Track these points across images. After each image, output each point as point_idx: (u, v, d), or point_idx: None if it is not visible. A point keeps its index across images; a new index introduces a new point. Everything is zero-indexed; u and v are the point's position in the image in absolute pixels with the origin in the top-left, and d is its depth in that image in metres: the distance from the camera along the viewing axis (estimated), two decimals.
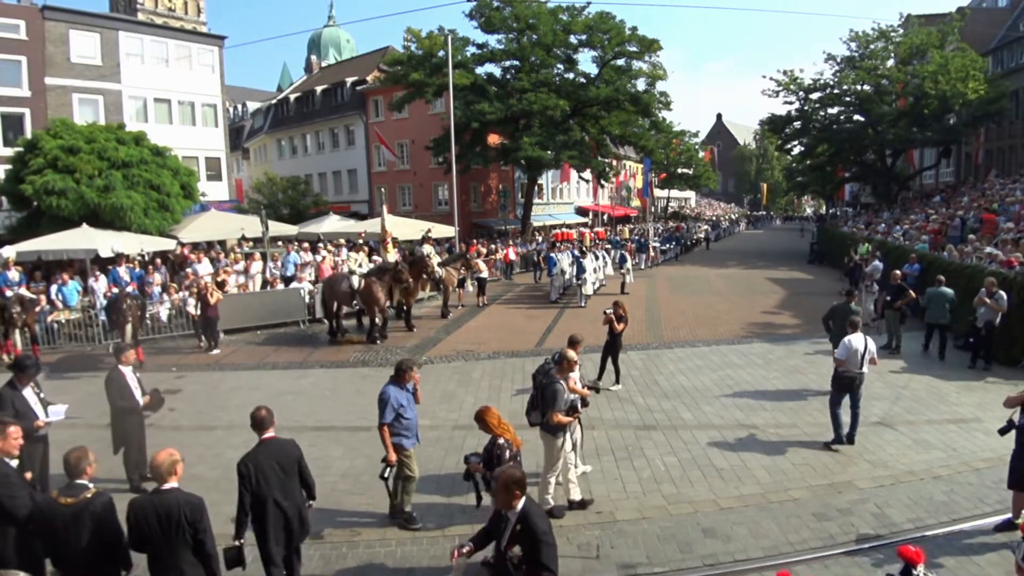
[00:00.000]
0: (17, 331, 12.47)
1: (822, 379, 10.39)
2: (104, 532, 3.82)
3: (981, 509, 6.07)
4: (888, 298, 12.39)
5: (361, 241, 19.70)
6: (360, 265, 16.01)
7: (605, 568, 5.36)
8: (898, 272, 12.98)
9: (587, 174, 36.68)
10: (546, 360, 6.91)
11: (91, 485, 3.93)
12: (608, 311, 10.17)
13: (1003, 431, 5.79)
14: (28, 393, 5.99)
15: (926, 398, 9.44)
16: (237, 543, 4.40)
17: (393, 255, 16.56)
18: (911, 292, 12.18)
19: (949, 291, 11.43)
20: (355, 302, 14.41)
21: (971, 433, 7.99)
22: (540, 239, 31.58)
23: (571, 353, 6.44)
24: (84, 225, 17.01)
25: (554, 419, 5.91)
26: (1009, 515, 5.65)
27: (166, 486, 3.89)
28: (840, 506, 6.23)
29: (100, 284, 15.09)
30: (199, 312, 13.71)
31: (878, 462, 7.23)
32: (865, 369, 7.77)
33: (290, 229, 23.74)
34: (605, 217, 45.76)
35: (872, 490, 6.55)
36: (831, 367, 10.78)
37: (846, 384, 7.70)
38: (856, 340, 7.69)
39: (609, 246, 27.34)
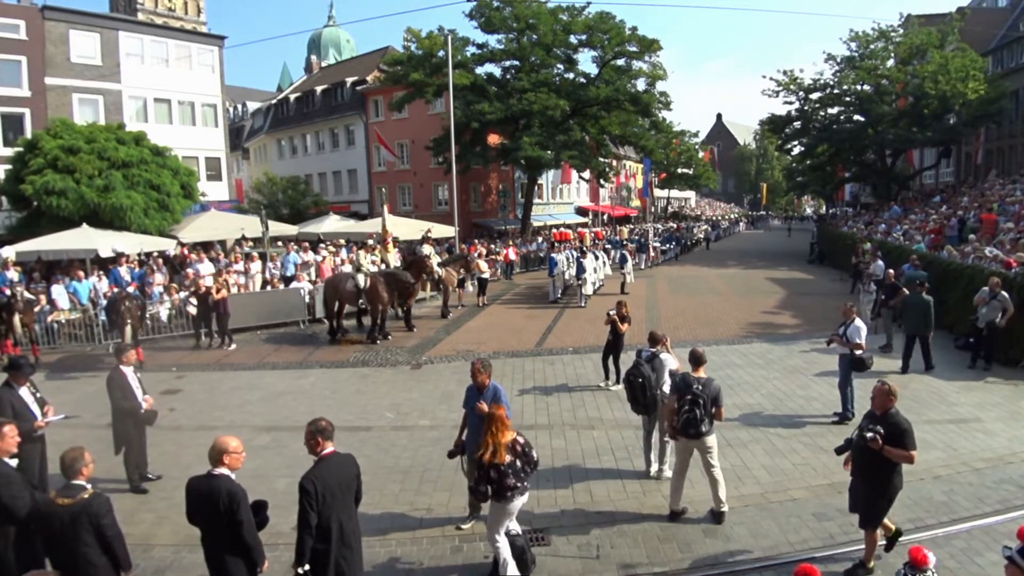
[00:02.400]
0: (18, 327, 12.45)
1: (822, 379, 10.42)
2: (101, 533, 3.82)
3: (981, 509, 6.06)
4: (883, 297, 12.39)
5: (371, 242, 19.70)
6: (371, 263, 15.97)
7: (605, 568, 5.36)
8: (891, 271, 13.03)
9: (587, 174, 36.67)
10: (637, 365, 6.86)
11: (88, 486, 3.93)
12: (612, 312, 10.18)
13: (840, 450, 5.30)
14: (24, 393, 5.99)
15: (926, 398, 9.43)
16: (300, 571, 4.07)
17: (393, 255, 16.58)
18: (905, 290, 12.13)
19: (923, 272, 13.09)
20: (361, 301, 14.40)
21: (971, 433, 7.99)
22: (540, 239, 31.61)
23: (699, 351, 6.23)
24: (84, 225, 17.02)
25: (722, 414, 6.02)
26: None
27: (215, 471, 4.06)
28: (840, 506, 6.20)
29: (100, 284, 15.09)
30: (197, 311, 13.74)
31: None
32: None
33: (290, 229, 23.75)
34: (605, 217, 45.76)
35: None
36: (832, 366, 10.94)
37: (863, 366, 8.24)
38: (863, 325, 8.46)
39: (608, 246, 27.37)
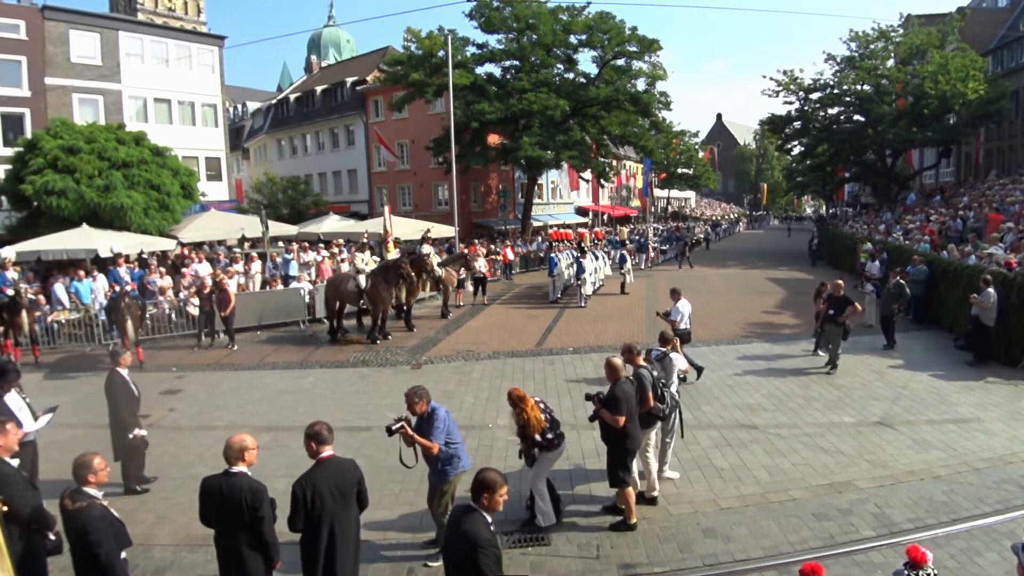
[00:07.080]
0: (25, 325, 12.43)
1: (823, 378, 10.47)
2: (85, 543, 3.78)
3: (981, 509, 6.06)
4: (831, 312, 10.57)
5: (364, 241, 19.71)
6: (367, 264, 15.98)
7: (605, 568, 5.36)
8: (840, 282, 11.14)
9: (587, 174, 36.68)
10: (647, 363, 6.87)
11: (92, 493, 3.91)
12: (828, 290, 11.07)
13: (592, 418, 6.14)
14: (11, 399, 5.85)
15: (926, 398, 9.43)
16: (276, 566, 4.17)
17: (394, 255, 16.56)
18: (856, 305, 10.77)
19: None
20: (362, 301, 14.40)
21: (971, 433, 7.99)
22: (540, 239, 31.59)
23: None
24: (84, 225, 17.01)
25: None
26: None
27: (233, 469, 4.06)
28: (840, 506, 6.23)
29: (100, 284, 15.07)
30: (199, 311, 13.75)
31: (878, 462, 7.22)
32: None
33: (290, 229, 23.73)
34: (605, 217, 45.71)
35: (872, 490, 6.55)
36: (831, 367, 10.93)
37: (685, 338, 10.21)
38: (686, 305, 10.73)
39: (608, 247, 27.33)
